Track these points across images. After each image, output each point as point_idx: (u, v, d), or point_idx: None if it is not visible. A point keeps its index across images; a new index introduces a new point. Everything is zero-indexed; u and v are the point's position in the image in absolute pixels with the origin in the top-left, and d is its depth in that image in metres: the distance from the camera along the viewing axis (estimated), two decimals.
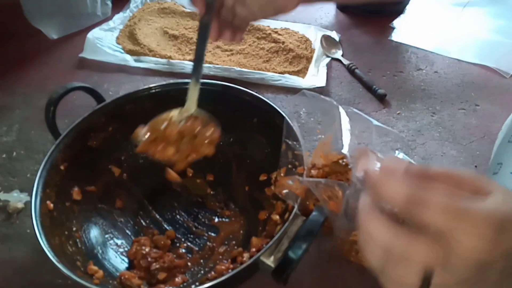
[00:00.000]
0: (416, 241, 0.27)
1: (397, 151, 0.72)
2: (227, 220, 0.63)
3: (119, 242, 0.58)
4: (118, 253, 0.57)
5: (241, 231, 0.61)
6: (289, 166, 0.54)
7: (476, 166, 0.71)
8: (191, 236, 0.61)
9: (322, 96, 0.55)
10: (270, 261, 0.46)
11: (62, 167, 0.56)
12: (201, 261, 0.58)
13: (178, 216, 0.63)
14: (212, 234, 0.61)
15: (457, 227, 0.26)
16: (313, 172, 0.56)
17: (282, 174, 0.54)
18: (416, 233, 0.27)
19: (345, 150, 0.44)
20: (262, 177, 0.61)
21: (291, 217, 0.48)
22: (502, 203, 0.27)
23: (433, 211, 0.26)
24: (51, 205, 0.52)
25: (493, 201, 0.27)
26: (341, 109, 0.50)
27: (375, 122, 0.51)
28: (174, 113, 0.53)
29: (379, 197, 0.29)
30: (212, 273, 0.53)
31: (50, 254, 0.45)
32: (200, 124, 0.53)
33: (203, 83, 0.66)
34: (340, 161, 0.55)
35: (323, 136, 0.57)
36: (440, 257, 0.26)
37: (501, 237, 0.26)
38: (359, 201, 0.30)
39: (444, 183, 0.29)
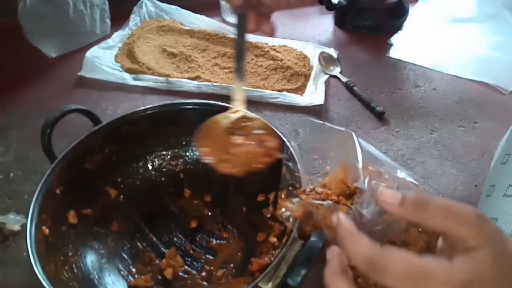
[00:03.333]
0: None
1: (398, 170, 0.71)
2: (224, 242, 0.62)
3: (115, 266, 0.57)
4: (115, 277, 0.56)
5: (239, 254, 0.60)
6: (290, 188, 0.54)
7: (476, 185, 0.71)
8: (189, 259, 0.60)
9: (335, 127, 0.54)
10: None
11: (58, 191, 0.55)
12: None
13: (175, 239, 0.62)
14: (210, 257, 0.61)
15: None
16: (311, 196, 0.56)
17: (282, 197, 0.53)
18: None
19: (361, 184, 0.43)
20: (260, 198, 0.61)
21: (289, 241, 0.47)
22: (470, 267, 0.27)
23: (392, 277, 0.28)
24: (47, 230, 0.51)
25: (460, 262, 0.28)
26: (356, 142, 0.48)
27: (384, 157, 0.49)
28: (220, 117, 0.51)
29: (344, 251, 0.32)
30: None
31: (45, 283, 0.44)
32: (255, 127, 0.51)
33: (199, 103, 0.66)
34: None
35: (320, 161, 0.56)
36: None
37: None
38: (326, 268, 0.33)
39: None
